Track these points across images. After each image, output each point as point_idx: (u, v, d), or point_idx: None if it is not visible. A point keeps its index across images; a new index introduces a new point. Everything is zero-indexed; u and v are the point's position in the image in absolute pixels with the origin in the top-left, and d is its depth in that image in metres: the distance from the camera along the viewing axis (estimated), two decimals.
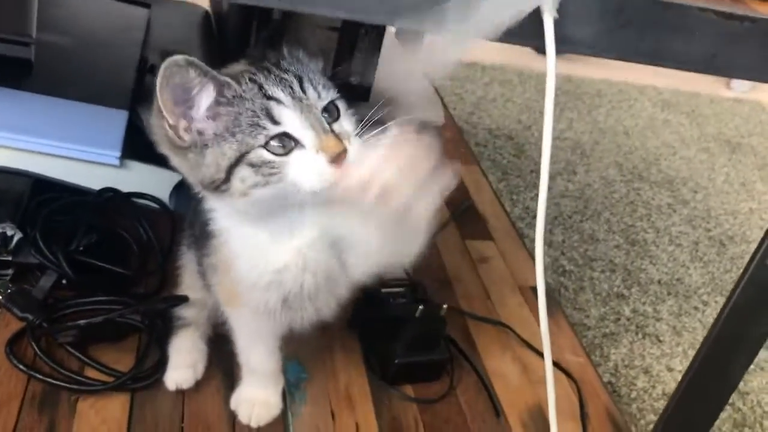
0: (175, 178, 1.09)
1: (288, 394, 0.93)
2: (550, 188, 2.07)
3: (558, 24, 0.58)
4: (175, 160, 0.70)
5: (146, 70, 1.25)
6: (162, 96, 0.64)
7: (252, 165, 0.66)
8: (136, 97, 1.18)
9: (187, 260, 0.98)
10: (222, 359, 0.94)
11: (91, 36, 1.28)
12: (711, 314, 1.67)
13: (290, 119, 0.67)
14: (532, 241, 1.75)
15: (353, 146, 0.68)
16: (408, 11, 0.58)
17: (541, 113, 2.60)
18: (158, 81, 0.64)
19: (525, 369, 1.07)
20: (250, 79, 0.67)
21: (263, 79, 0.68)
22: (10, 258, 0.96)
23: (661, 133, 2.53)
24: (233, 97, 0.67)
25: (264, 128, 0.66)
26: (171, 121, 0.66)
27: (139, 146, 1.10)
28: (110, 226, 1.06)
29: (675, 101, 2.80)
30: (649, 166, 2.28)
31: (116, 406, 0.87)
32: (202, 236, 0.83)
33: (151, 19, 1.46)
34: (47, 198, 1.04)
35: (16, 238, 0.96)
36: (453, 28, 0.59)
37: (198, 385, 0.92)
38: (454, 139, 1.65)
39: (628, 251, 1.84)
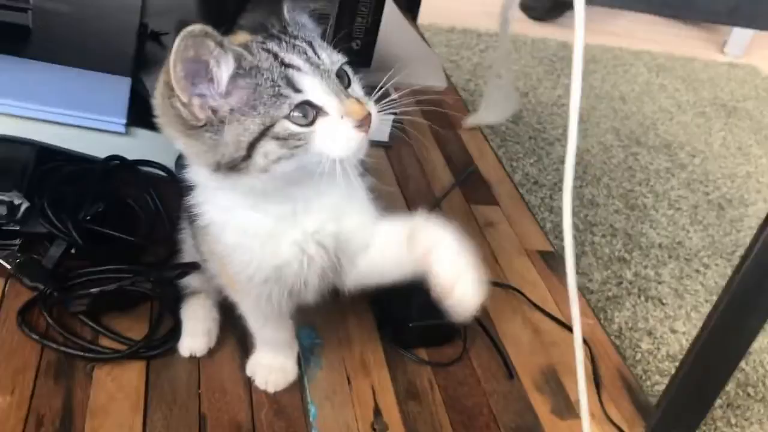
0: None
1: (303, 359, 0.93)
2: (549, 154, 2.08)
3: None
4: (185, 142, 0.66)
5: (146, 36, 1.23)
6: (175, 71, 0.60)
7: (277, 138, 0.63)
8: (138, 63, 1.16)
9: (187, 235, 0.95)
10: (234, 324, 0.93)
11: (88, 1, 1.26)
12: (712, 277, 1.68)
13: (311, 86, 0.64)
14: (535, 206, 1.75)
15: (373, 110, 0.67)
16: None
17: (538, 80, 2.57)
18: (172, 55, 0.60)
19: (536, 331, 1.07)
20: (262, 49, 0.65)
21: (276, 47, 0.65)
22: (17, 228, 0.95)
23: (657, 97, 2.52)
24: (250, 68, 0.63)
25: (287, 97, 0.63)
26: (184, 99, 0.62)
27: (143, 113, 1.09)
28: (117, 194, 1.04)
29: (670, 66, 2.79)
30: (647, 131, 2.28)
31: (132, 373, 0.86)
32: (194, 223, 0.80)
33: None
34: (52, 167, 1.02)
35: (23, 208, 0.94)
36: None
37: (212, 350, 0.91)
38: (456, 105, 1.63)
39: (628, 216, 1.84)
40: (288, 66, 0.64)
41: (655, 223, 1.84)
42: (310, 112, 0.64)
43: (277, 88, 0.63)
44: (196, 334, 0.91)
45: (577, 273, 1.59)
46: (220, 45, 0.62)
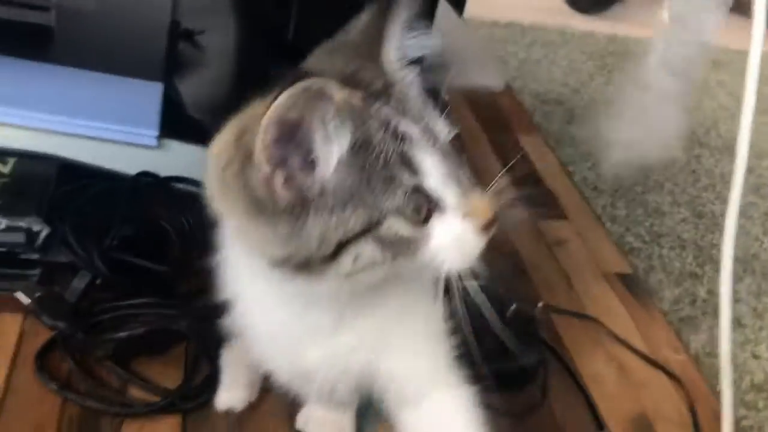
0: None
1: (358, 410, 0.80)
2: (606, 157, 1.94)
3: None
4: (246, 224, 0.49)
5: (179, 36, 1.11)
6: (266, 134, 0.44)
7: (381, 240, 0.47)
8: (170, 67, 1.04)
9: None
10: None
11: None
12: None
13: (431, 167, 0.47)
14: (597, 217, 1.60)
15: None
16: None
17: (590, 75, 2.42)
18: (269, 113, 0.43)
19: (622, 369, 0.95)
20: (375, 114, 0.48)
21: (388, 111, 0.48)
22: (37, 257, 0.83)
23: (716, 94, 2.36)
24: (363, 142, 0.47)
25: (400, 182, 0.46)
26: (265, 170, 0.46)
27: (176, 123, 0.98)
28: (148, 216, 0.93)
29: (725, 60, 2.63)
30: (708, 130, 2.13)
31: (166, 429, 0.75)
32: None
33: None
34: (76, 186, 0.91)
35: (43, 235, 0.83)
36: None
37: (258, 400, 0.80)
38: (513, 108, 1.50)
39: (696, 225, 1.69)
40: (402, 139, 0.47)
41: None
42: (423, 205, 0.48)
43: (388, 170, 0.46)
44: (236, 386, 0.78)
45: (646, 291, 1.46)
46: (340, 111, 0.45)
